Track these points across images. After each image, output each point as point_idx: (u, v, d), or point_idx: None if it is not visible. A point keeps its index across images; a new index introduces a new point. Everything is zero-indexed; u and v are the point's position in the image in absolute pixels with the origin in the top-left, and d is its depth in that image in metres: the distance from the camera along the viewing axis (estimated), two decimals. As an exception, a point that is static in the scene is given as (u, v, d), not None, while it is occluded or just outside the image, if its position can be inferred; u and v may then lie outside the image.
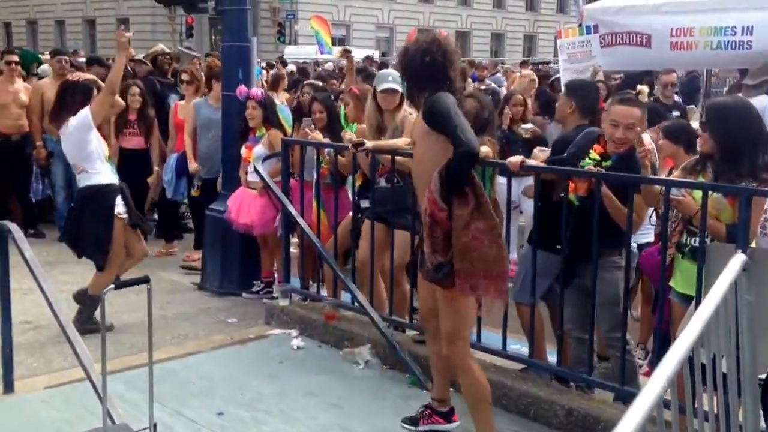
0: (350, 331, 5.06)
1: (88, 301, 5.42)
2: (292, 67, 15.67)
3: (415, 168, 3.73)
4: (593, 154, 4.03)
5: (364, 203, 5.10)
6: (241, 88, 6.10)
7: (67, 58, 8.41)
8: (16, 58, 8.37)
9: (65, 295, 5.39)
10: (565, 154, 4.20)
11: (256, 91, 6.16)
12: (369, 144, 4.56)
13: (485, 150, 3.88)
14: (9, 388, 4.23)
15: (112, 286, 3.52)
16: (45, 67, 9.26)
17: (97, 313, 5.26)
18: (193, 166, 7.10)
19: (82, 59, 10.93)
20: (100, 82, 5.83)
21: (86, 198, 5.38)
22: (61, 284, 5.86)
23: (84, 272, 6.91)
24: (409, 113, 4.92)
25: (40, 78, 8.77)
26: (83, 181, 5.38)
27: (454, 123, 3.35)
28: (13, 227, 4.14)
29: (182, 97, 7.82)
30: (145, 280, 3.16)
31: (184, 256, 7.50)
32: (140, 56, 9.52)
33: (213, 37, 39.28)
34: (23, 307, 5.14)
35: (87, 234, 5.39)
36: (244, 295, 6.34)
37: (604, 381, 4.18)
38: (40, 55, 10.85)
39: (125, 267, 5.56)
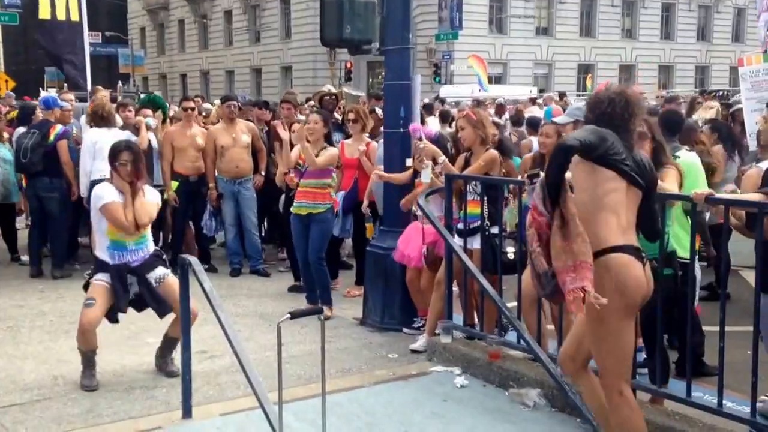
0: (516, 371, 4.95)
1: None
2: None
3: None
4: None
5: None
6: (415, 126, 6.22)
7: (236, 103, 8.91)
8: (192, 104, 8.99)
9: (238, 327, 5.64)
10: None
11: (429, 129, 6.26)
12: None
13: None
14: (187, 413, 4.46)
15: (288, 315, 3.65)
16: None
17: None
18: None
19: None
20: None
21: None
22: (233, 316, 6.15)
23: (255, 305, 7.28)
24: None
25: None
26: None
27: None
28: (194, 260, 4.39)
29: (348, 136, 8.08)
30: (319, 310, 3.24)
31: (345, 291, 7.69)
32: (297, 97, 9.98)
33: (370, 80, 40.56)
34: (199, 337, 5.42)
35: None
36: (405, 330, 6.38)
37: None
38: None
39: None
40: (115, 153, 5.24)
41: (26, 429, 4.43)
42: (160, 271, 5.27)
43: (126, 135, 8.38)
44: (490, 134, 5.74)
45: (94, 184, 7.99)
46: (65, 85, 15.05)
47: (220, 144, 8.43)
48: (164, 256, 5.45)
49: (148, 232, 5.37)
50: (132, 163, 5.18)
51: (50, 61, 14.62)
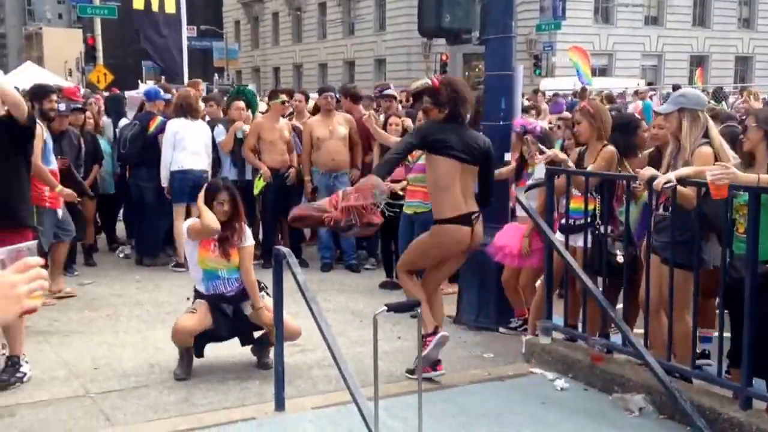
0: (621, 375, 4.85)
1: None
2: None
3: None
4: None
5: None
6: (518, 121, 6.17)
7: (332, 94, 9.01)
8: (284, 97, 9.17)
9: (329, 321, 5.70)
10: None
11: (535, 124, 6.19)
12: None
13: None
14: (280, 406, 4.56)
15: (384, 308, 3.68)
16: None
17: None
18: None
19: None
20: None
21: None
22: (324, 311, 6.20)
23: (346, 300, 7.38)
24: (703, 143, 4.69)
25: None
26: None
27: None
28: (288, 252, 4.49)
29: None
30: (416, 303, 3.26)
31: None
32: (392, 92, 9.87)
33: (466, 73, 40.35)
34: (291, 330, 5.54)
35: None
36: (500, 330, 6.35)
37: None
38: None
39: None
40: (212, 191, 5.32)
41: (124, 415, 4.64)
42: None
43: (206, 126, 8.67)
44: (608, 129, 5.57)
45: (173, 174, 8.34)
46: (163, 77, 15.63)
47: (316, 136, 8.52)
48: (263, 285, 5.42)
49: None
50: (229, 203, 5.26)
51: (146, 49, 15.09)
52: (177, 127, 8.38)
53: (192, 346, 5.27)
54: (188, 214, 8.17)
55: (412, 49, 41.64)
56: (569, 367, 5.21)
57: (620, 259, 5.17)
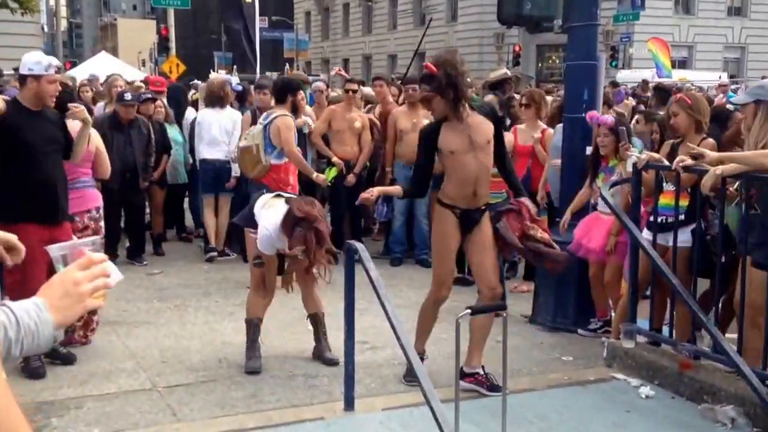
0: (712, 384, 4.58)
1: None
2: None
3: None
4: None
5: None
6: (592, 114, 5.93)
7: (415, 86, 8.71)
8: (355, 87, 9.04)
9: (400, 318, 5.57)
10: None
11: (607, 117, 5.94)
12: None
13: None
14: (350, 405, 4.44)
15: (468, 311, 3.53)
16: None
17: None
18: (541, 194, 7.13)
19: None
20: None
21: None
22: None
23: (417, 296, 7.21)
24: None
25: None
26: None
27: None
28: (360, 247, 4.35)
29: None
30: (502, 306, 3.08)
31: (511, 286, 7.47)
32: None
33: (540, 64, 39.70)
34: (360, 327, 5.36)
35: None
36: (580, 331, 6.12)
37: None
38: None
39: None
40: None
41: (191, 410, 4.58)
42: None
43: (231, 115, 8.56)
44: (707, 121, 5.28)
45: (199, 164, 8.55)
46: (234, 68, 15.73)
47: (399, 128, 8.38)
48: None
49: None
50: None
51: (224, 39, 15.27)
52: (200, 118, 8.47)
53: (259, 318, 5.29)
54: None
55: (484, 41, 41.16)
56: (655, 374, 4.96)
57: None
